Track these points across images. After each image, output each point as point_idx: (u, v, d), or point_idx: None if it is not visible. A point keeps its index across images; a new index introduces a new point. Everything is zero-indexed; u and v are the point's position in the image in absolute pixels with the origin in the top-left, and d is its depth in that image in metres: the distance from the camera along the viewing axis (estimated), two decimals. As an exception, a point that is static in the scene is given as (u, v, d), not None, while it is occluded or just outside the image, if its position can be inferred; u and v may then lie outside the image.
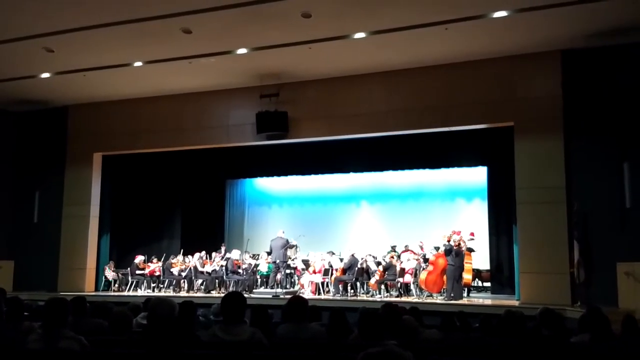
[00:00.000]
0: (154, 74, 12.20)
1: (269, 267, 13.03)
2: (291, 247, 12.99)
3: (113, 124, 14.02)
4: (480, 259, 12.94)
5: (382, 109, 11.95)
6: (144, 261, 13.65)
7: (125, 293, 13.10)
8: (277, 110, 12.32)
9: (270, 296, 11.54)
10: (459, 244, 11.15)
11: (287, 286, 12.79)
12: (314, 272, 12.50)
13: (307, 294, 12.02)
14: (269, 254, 13.09)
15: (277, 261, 12.41)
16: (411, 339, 4.07)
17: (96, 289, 13.85)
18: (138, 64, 11.58)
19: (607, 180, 9.99)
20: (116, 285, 13.89)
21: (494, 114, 11.17)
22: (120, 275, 13.89)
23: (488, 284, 13.41)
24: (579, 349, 3.90)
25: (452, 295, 10.83)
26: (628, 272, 9.20)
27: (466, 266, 11.45)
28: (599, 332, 4.12)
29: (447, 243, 11.14)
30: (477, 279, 13.43)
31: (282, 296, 11.26)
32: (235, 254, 13.02)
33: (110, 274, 13.87)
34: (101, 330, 4.32)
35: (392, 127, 12.02)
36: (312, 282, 12.40)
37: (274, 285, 12.36)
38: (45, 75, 12.20)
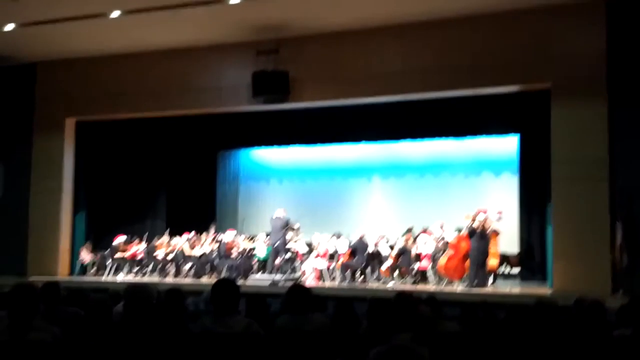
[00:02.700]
0: (134, 26, 12.08)
1: (267, 251, 13.11)
2: (292, 229, 13.05)
3: (88, 85, 13.96)
4: (509, 242, 12.97)
5: (397, 69, 11.84)
6: (125, 242, 13.74)
7: (104, 278, 13.23)
8: (276, 70, 12.22)
9: (268, 283, 11.63)
10: (484, 224, 11.16)
11: (288, 272, 12.88)
12: (318, 256, 12.57)
13: (310, 281, 12.11)
14: (267, 235, 13.16)
15: (276, 244, 12.47)
16: (428, 332, 4.10)
17: (71, 274, 13.99)
18: (116, 14, 11.47)
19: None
20: (93, 269, 14.01)
21: (528, 75, 11.08)
22: (98, 258, 14.01)
23: (517, 270, 13.47)
24: (622, 345, 3.91)
25: (475, 282, 10.89)
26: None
27: (492, 250, 11.48)
28: (643, 325, 4.12)
29: (470, 224, 11.15)
30: (504, 265, 13.49)
31: (281, 284, 11.35)
32: (229, 236, 13.09)
33: (86, 256, 13.99)
34: (77, 319, 4.37)
35: (409, 89, 11.94)
36: (315, 268, 12.49)
37: (272, 271, 12.45)
38: (9, 27, 12.10)
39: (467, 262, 11.17)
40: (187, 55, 13.29)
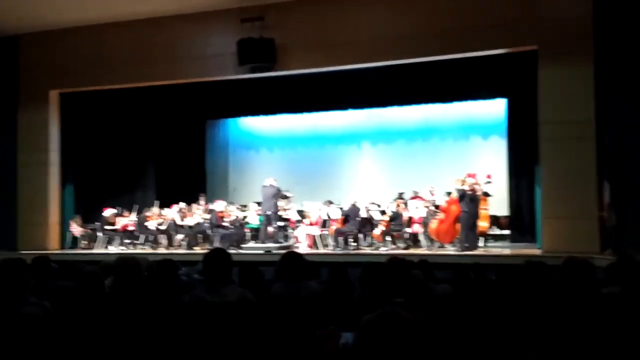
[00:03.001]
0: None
1: (259, 219, 13.12)
2: (284, 197, 13.05)
3: (71, 56, 13.73)
4: (498, 204, 13.05)
5: (386, 34, 11.72)
6: (115, 214, 13.68)
7: (95, 250, 13.22)
8: (262, 37, 12.05)
9: (262, 252, 11.66)
10: (474, 188, 11.21)
11: (281, 240, 12.92)
12: (311, 224, 12.60)
13: (303, 248, 12.16)
14: (259, 204, 13.16)
15: (268, 212, 12.47)
16: (420, 296, 4.13)
17: (61, 247, 13.97)
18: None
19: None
20: (84, 242, 13.99)
21: (515, 37, 11.00)
22: (88, 230, 13.97)
23: (506, 232, 13.59)
24: (611, 303, 3.95)
25: (466, 245, 10.98)
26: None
27: (482, 213, 11.57)
28: (631, 282, 4.17)
29: (460, 187, 11.20)
30: (494, 227, 13.60)
31: (274, 251, 11.38)
32: (219, 205, 13.08)
33: (76, 229, 13.92)
34: (68, 293, 4.36)
35: (398, 55, 11.84)
36: (308, 235, 12.53)
37: (265, 239, 12.48)
38: (-12, 0, 11.86)
39: (458, 226, 11.25)
40: (171, 24, 13.07)
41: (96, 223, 13.71)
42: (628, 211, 9.82)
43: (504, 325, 3.65)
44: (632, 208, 9.79)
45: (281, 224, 13.06)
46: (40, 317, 3.27)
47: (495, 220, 13.39)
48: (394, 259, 4.76)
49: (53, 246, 13.74)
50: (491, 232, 13.28)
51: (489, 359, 3.28)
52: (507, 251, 11.66)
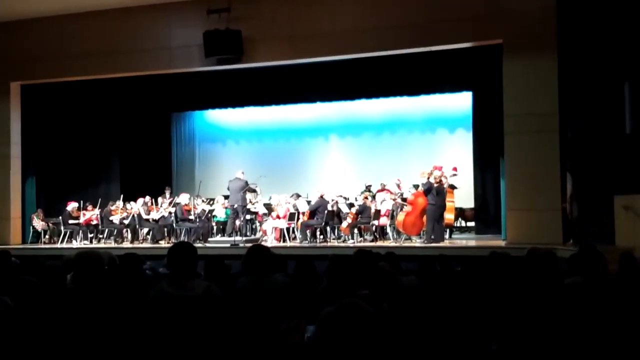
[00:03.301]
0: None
1: (226, 213, 13.05)
2: (251, 191, 13.00)
3: (32, 48, 13.43)
4: (464, 197, 13.23)
5: (353, 27, 11.73)
6: (78, 208, 13.45)
7: (59, 245, 12.99)
8: (229, 29, 11.96)
9: (228, 245, 11.60)
10: (440, 180, 11.33)
11: (248, 233, 12.86)
12: (278, 217, 12.57)
13: (271, 241, 12.14)
14: (226, 197, 13.08)
15: (236, 206, 12.41)
16: (387, 288, 4.15)
17: (24, 241, 13.70)
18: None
19: (605, 104, 10.13)
20: (47, 236, 13.73)
21: (480, 31, 11.13)
22: (50, 225, 13.72)
23: (472, 224, 13.79)
24: (573, 292, 4.03)
25: (432, 237, 11.09)
26: (627, 205, 9.41)
27: (448, 205, 11.69)
28: (593, 272, 4.25)
29: (426, 180, 11.30)
30: (460, 219, 13.78)
31: (241, 245, 11.33)
32: (183, 198, 12.97)
33: (38, 223, 13.67)
34: (29, 288, 4.27)
35: (365, 48, 11.88)
36: (275, 229, 12.50)
37: (232, 233, 12.42)
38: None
39: (425, 218, 11.35)
40: (136, 14, 12.87)
41: (59, 217, 13.45)
42: (590, 203, 10.03)
43: (468, 315, 3.70)
44: (594, 200, 10.01)
45: (249, 217, 13.00)
46: (0, 312, 3.20)
47: (460, 213, 13.57)
48: (361, 251, 4.78)
49: (15, 241, 13.47)
50: (457, 225, 13.47)
51: (454, 348, 3.32)
52: (472, 243, 11.82)
